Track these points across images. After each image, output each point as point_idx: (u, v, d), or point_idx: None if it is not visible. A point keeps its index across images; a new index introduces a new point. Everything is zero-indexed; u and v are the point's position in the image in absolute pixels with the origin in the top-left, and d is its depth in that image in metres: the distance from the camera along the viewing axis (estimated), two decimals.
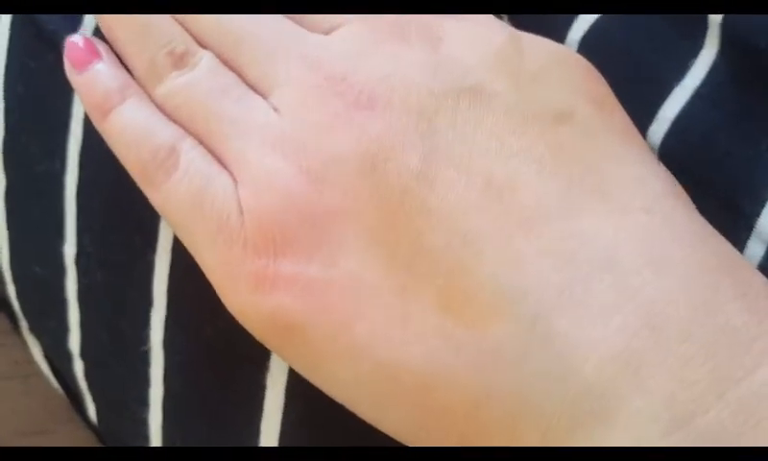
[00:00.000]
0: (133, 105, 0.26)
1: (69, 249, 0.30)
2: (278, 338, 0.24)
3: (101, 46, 0.27)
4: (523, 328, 0.21)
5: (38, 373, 0.36)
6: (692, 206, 0.23)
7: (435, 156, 0.23)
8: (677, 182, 0.24)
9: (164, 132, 0.25)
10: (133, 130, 0.26)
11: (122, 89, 0.26)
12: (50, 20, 0.28)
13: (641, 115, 0.25)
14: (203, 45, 0.26)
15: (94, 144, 0.28)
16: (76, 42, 0.27)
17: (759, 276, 0.22)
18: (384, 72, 0.24)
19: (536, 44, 0.25)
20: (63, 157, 0.29)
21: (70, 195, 0.29)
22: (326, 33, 0.25)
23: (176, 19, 0.26)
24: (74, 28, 0.29)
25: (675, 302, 0.21)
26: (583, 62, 0.25)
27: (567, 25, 0.27)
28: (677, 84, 0.26)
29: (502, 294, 0.21)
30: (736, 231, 0.24)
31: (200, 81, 0.25)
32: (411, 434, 0.23)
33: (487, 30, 0.25)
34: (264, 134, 0.24)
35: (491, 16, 0.26)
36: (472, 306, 0.22)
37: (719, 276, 0.21)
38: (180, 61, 0.26)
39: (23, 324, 0.35)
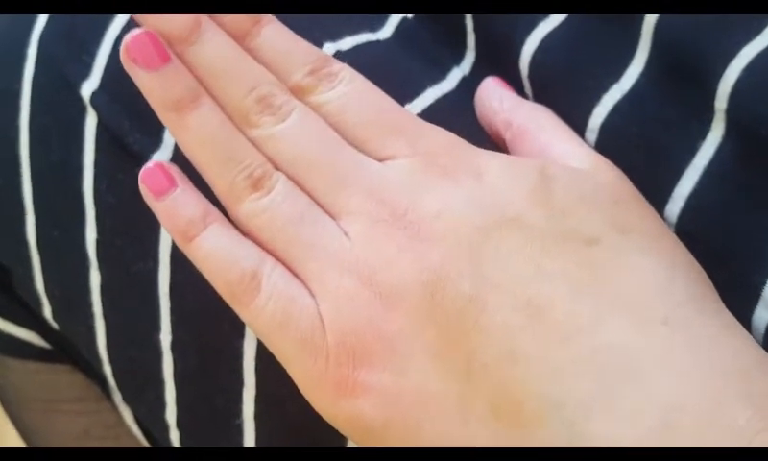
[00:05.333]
0: (215, 232, 0.28)
1: (165, 337, 0.32)
2: (359, 435, 0.27)
3: (174, 172, 0.29)
4: (564, 430, 0.24)
5: (129, 434, 0.38)
6: (709, 303, 0.26)
7: (483, 282, 0.26)
8: (696, 272, 0.27)
9: (246, 258, 0.28)
10: (217, 257, 0.28)
11: (204, 217, 0.28)
12: (134, 141, 0.31)
13: (659, 196, 0.28)
14: (276, 167, 0.29)
15: None
16: (152, 169, 0.29)
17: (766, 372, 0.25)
18: (438, 208, 0.27)
19: (563, 180, 0.28)
20: (156, 258, 0.31)
21: (163, 290, 0.31)
22: (382, 160, 0.28)
23: (252, 142, 0.29)
24: (156, 146, 0.31)
25: (689, 405, 0.24)
26: (608, 186, 0.28)
27: (588, 113, 0.30)
28: (688, 165, 0.28)
29: (545, 402, 0.25)
30: (745, 300, 0.27)
31: (278, 206, 0.28)
32: None
33: (520, 166, 0.28)
34: (340, 259, 0.27)
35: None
36: (521, 413, 0.25)
37: (728, 379, 0.24)
38: (258, 183, 0.28)
39: (117, 395, 0.36)
